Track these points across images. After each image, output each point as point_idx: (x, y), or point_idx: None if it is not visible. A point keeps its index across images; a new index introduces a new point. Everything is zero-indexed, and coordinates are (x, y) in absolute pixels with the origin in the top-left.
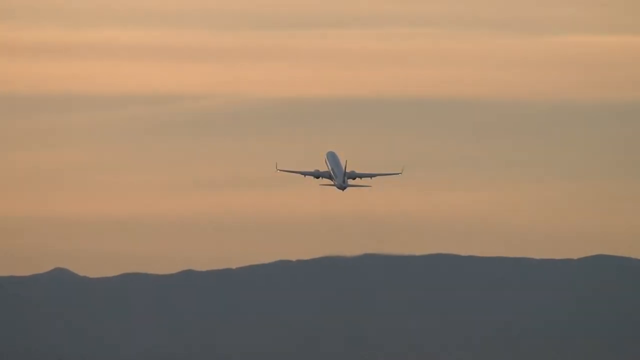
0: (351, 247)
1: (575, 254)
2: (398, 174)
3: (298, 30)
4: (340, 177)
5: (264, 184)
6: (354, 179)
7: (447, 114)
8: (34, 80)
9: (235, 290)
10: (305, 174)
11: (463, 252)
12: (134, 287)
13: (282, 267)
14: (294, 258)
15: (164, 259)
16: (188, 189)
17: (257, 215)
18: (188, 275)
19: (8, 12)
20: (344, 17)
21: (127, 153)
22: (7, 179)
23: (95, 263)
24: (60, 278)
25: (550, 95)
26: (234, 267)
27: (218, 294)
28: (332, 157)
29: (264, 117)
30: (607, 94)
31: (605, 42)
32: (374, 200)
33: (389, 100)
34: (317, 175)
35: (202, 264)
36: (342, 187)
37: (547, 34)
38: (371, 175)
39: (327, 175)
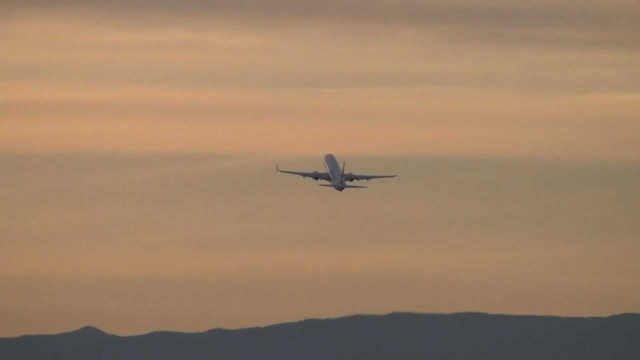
0: (380, 306)
1: (604, 312)
2: (394, 176)
3: (324, 89)
4: (338, 178)
5: (292, 242)
6: (351, 180)
7: (469, 172)
8: (60, 139)
9: (265, 349)
10: (304, 175)
11: (491, 311)
12: (164, 345)
13: (311, 326)
14: (322, 316)
15: (193, 318)
16: (216, 247)
17: (285, 274)
18: (217, 334)
19: (35, 70)
20: (368, 75)
21: (154, 211)
22: (37, 238)
23: (124, 321)
24: (89, 336)
25: (576, 153)
26: (262, 325)
27: (247, 353)
28: (330, 160)
29: (287, 176)
30: (631, 153)
31: (630, 101)
32: (403, 259)
33: (415, 158)
34: (316, 176)
35: (231, 323)
36: (340, 188)
37: (571, 93)
38: (367, 177)
39: (325, 177)
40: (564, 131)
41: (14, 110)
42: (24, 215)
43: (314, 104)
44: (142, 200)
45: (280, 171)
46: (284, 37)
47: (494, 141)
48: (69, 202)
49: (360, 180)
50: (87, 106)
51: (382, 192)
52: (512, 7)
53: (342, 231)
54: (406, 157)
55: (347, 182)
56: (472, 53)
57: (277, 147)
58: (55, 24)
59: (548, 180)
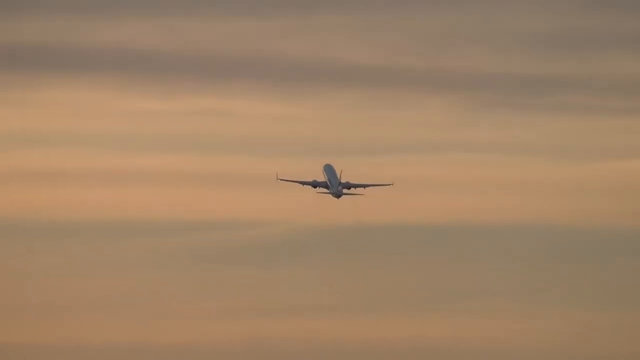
0: None
1: None
2: (389, 184)
3: (351, 157)
4: (335, 186)
5: (323, 311)
6: (348, 188)
7: (497, 240)
8: (86, 207)
9: None
10: (303, 183)
11: None
12: None
13: None
14: None
15: None
16: (246, 316)
17: (317, 342)
18: None
19: (61, 139)
20: (395, 143)
21: (178, 280)
22: (63, 307)
23: None
24: None
25: (605, 221)
26: None
27: None
28: (329, 169)
29: (318, 245)
30: None
31: None
32: (429, 327)
33: (442, 226)
34: (314, 184)
35: None
36: (338, 195)
37: (600, 160)
38: (364, 186)
39: (324, 185)
40: (593, 199)
41: (39, 178)
42: (49, 284)
43: (343, 169)
44: (166, 269)
45: (280, 180)
46: (311, 105)
47: (523, 209)
48: (93, 270)
49: (357, 188)
50: (113, 174)
51: (400, 262)
52: (540, 74)
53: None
54: (433, 225)
55: (345, 190)
56: (500, 120)
57: (303, 215)
58: (81, 92)
59: (577, 248)
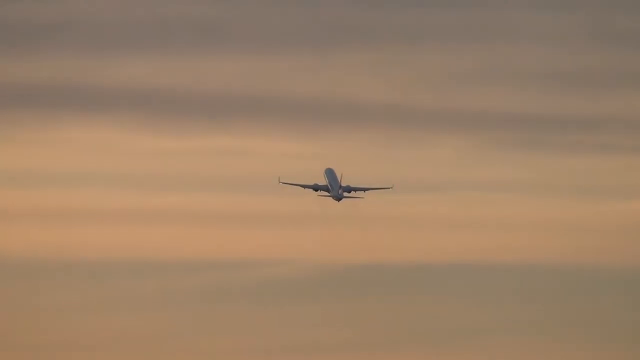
0: None
1: None
2: (389, 188)
3: (365, 195)
4: (336, 189)
5: (332, 349)
6: (349, 192)
7: (514, 279)
8: (103, 246)
9: None
10: (305, 186)
11: None
12: None
13: None
14: None
15: None
16: (259, 355)
17: None
18: None
19: (78, 178)
20: (410, 182)
21: (189, 319)
22: (80, 345)
23: None
24: None
25: (623, 260)
26: None
27: None
28: (329, 173)
29: (328, 284)
30: None
31: None
32: None
33: (457, 265)
34: (316, 188)
35: None
36: (338, 198)
37: (616, 200)
38: (364, 189)
39: (325, 189)
40: (608, 238)
41: (54, 216)
42: (65, 323)
43: (356, 210)
44: (179, 308)
45: (282, 183)
46: (325, 143)
47: (537, 247)
48: (107, 309)
49: (357, 191)
50: (127, 213)
51: (412, 300)
52: (553, 113)
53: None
54: (446, 263)
55: (345, 194)
56: (514, 159)
57: (317, 254)
58: (96, 131)
59: (591, 287)
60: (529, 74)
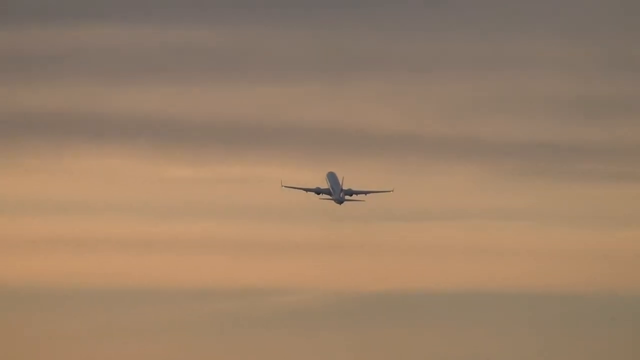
0: None
1: None
2: (390, 191)
3: (380, 223)
4: (338, 192)
5: None
6: (350, 195)
7: (526, 307)
8: (118, 275)
9: None
10: (307, 190)
11: None
12: None
13: None
14: None
15: None
16: None
17: None
18: None
19: (91, 206)
20: (423, 210)
21: (210, 348)
22: None
23: None
24: None
25: (634, 290)
26: None
27: None
28: (331, 177)
29: (340, 312)
30: None
31: None
32: None
33: (472, 293)
34: (318, 191)
35: None
36: (340, 202)
37: (630, 228)
38: (365, 192)
39: (327, 192)
40: (621, 267)
41: (70, 245)
42: (79, 351)
43: (371, 239)
44: (197, 337)
45: (285, 187)
46: (341, 171)
47: (550, 276)
48: (122, 337)
49: (358, 195)
50: (143, 241)
51: (427, 328)
52: (567, 142)
53: None
54: (461, 291)
55: (347, 197)
56: (527, 188)
57: (332, 282)
58: (111, 159)
59: (604, 316)
60: (542, 101)
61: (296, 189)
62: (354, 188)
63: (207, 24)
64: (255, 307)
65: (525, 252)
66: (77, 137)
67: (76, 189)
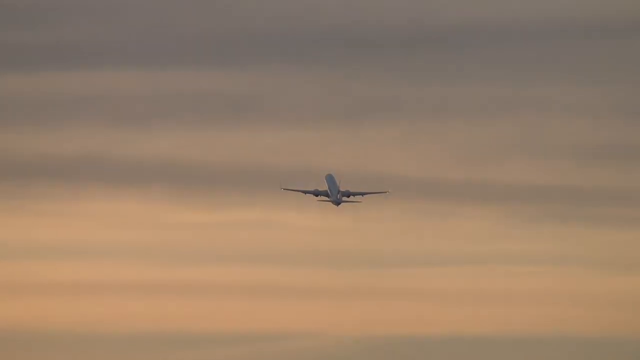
0: None
1: None
2: (386, 192)
3: (397, 269)
4: (335, 194)
5: None
6: (348, 196)
7: (544, 352)
8: (134, 319)
9: None
10: (306, 192)
11: None
12: None
13: None
14: None
15: None
16: None
17: None
18: None
19: (108, 251)
20: (440, 254)
21: None
22: None
23: None
24: None
25: None
26: None
27: None
28: (330, 178)
29: (356, 357)
30: None
31: None
32: None
33: (487, 337)
34: (316, 193)
35: None
36: (337, 203)
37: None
38: (362, 194)
39: (324, 194)
40: (637, 312)
41: (85, 290)
42: None
43: (387, 283)
44: None
45: (284, 189)
46: (357, 216)
47: (568, 321)
48: None
49: (356, 196)
50: (160, 286)
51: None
52: (585, 186)
53: None
54: (476, 336)
55: (344, 198)
56: (544, 232)
57: (345, 327)
58: (128, 203)
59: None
60: (558, 146)
61: (295, 191)
62: (352, 190)
63: (222, 68)
64: (270, 351)
65: (543, 297)
66: (92, 181)
67: (92, 233)
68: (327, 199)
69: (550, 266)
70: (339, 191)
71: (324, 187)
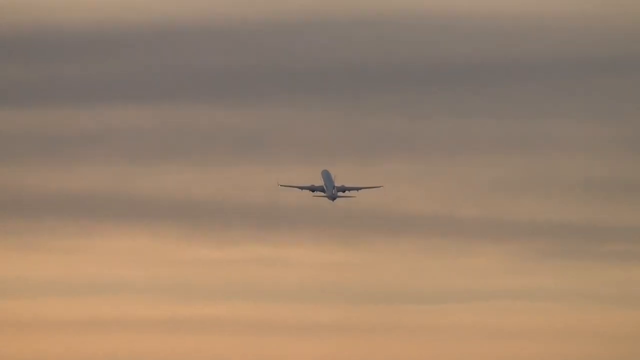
0: None
1: None
2: (379, 187)
3: (407, 305)
4: (330, 189)
5: None
6: (343, 191)
7: None
8: (147, 356)
9: None
10: (302, 188)
11: None
12: None
13: None
14: None
15: None
16: None
17: None
18: None
19: (118, 287)
20: (450, 291)
21: None
22: None
23: None
24: None
25: None
26: None
27: None
28: (326, 174)
29: None
30: None
31: None
32: None
33: None
34: (313, 189)
35: None
36: (333, 198)
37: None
38: (357, 189)
39: (320, 189)
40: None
41: (96, 327)
42: None
43: (396, 320)
44: None
45: (281, 185)
46: (366, 253)
47: (577, 357)
48: None
49: (350, 191)
50: (170, 322)
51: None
52: (597, 222)
53: None
54: None
55: (340, 193)
56: (555, 269)
57: None
58: (138, 240)
59: None
60: (569, 183)
61: (292, 188)
62: (347, 185)
63: (234, 105)
64: None
65: (554, 333)
66: (104, 218)
67: (103, 270)
68: (323, 194)
69: (562, 302)
70: (334, 186)
71: (320, 182)
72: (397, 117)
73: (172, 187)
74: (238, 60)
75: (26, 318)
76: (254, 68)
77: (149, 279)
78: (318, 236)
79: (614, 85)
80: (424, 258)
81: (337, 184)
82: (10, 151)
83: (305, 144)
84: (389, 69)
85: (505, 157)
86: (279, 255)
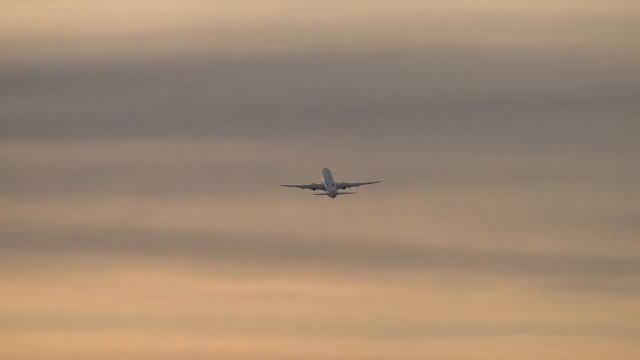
0: None
1: None
2: (378, 182)
3: (423, 339)
4: (330, 187)
5: None
6: (344, 188)
7: None
8: None
9: None
10: (303, 187)
11: None
12: None
13: None
14: None
15: None
16: None
17: None
18: None
19: (132, 321)
20: (465, 325)
21: None
22: None
23: None
24: None
25: None
26: None
27: None
28: (327, 173)
29: None
30: None
31: None
32: None
33: None
34: (314, 187)
35: None
36: (333, 195)
37: None
38: (357, 185)
39: (321, 187)
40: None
41: None
42: None
43: (413, 354)
44: None
45: (282, 186)
46: (384, 287)
47: None
48: None
49: (351, 187)
50: (184, 356)
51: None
52: (614, 256)
53: None
54: None
55: (340, 190)
56: (572, 303)
57: None
58: (153, 274)
59: None
60: (586, 216)
61: (293, 187)
62: (346, 182)
63: (247, 138)
64: None
65: None
66: (119, 252)
67: (118, 304)
68: (323, 192)
69: (576, 336)
70: (334, 184)
71: (320, 180)
72: (407, 151)
73: (187, 221)
74: (251, 95)
75: (42, 352)
76: (267, 101)
77: (163, 313)
78: (332, 270)
79: (628, 118)
80: (436, 292)
81: (337, 181)
82: (28, 185)
83: (316, 176)
84: (397, 103)
85: (518, 190)
86: (295, 289)
